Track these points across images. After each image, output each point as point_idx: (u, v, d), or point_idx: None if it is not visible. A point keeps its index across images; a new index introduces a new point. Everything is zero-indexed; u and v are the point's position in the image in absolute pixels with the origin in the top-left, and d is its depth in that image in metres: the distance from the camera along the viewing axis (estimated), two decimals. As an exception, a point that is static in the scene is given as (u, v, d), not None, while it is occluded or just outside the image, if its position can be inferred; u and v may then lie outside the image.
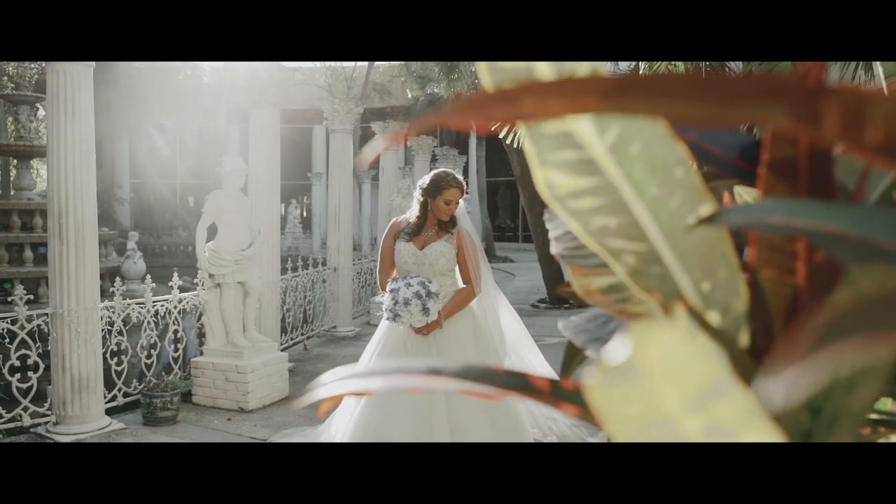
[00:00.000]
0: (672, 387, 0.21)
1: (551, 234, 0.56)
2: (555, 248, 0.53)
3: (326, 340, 7.88)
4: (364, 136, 21.16)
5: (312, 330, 7.82)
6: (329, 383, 0.35)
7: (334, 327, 8.21)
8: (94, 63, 4.59)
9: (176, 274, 5.51)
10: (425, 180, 3.29)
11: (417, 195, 3.29)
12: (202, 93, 21.56)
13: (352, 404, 3.37)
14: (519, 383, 0.35)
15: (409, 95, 23.39)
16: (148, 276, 5.38)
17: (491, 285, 3.49)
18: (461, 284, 3.33)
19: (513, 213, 27.31)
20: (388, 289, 3.15)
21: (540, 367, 3.70)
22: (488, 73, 0.33)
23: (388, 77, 24.47)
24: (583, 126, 0.33)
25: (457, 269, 3.34)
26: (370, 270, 9.76)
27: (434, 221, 3.29)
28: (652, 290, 0.36)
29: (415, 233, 3.29)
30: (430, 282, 3.11)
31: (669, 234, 0.34)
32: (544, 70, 0.32)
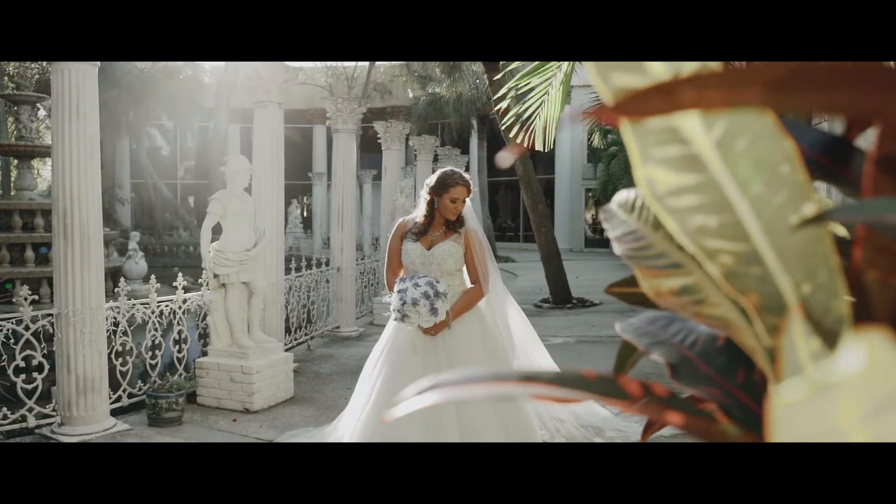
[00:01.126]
0: (853, 399, 0.20)
1: (611, 235, 0.55)
2: (618, 249, 0.52)
3: (330, 341, 7.86)
4: (365, 136, 21.16)
5: (316, 330, 7.80)
6: (423, 391, 0.33)
7: (338, 327, 8.20)
8: (98, 63, 4.58)
9: (180, 274, 5.50)
10: (432, 179, 3.26)
11: (424, 194, 3.27)
12: (202, 93, 21.59)
13: (360, 404, 3.35)
14: (611, 389, 0.33)
15: (411, 95, 23.43)
16: (153, 277, 5.37)
17: (499, 285, 3.47)
18: (469, 284, 3.31)
19: (514, 212, 27.32)
20: (395, 289, 3.12)
21: (547, 367, 3.68)
22: (598, 74, 0.32)
23: (389, 77, 24.49)
24: (689, 121, 0.32)
25: (464, 268, 3.31)
26: (373, 270, 9.74)
27: (441, 221, 3.26)
28: (749, 291, 0.34)
29: (422, 232, 3.26)
30: (437, 282, 3.09)
31: (772, 234, 0.33)
32: (658, 69, 0.31)
